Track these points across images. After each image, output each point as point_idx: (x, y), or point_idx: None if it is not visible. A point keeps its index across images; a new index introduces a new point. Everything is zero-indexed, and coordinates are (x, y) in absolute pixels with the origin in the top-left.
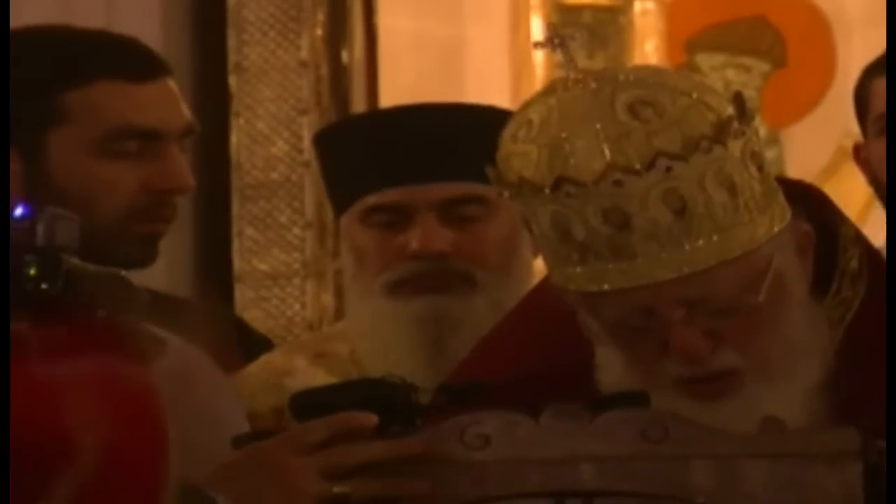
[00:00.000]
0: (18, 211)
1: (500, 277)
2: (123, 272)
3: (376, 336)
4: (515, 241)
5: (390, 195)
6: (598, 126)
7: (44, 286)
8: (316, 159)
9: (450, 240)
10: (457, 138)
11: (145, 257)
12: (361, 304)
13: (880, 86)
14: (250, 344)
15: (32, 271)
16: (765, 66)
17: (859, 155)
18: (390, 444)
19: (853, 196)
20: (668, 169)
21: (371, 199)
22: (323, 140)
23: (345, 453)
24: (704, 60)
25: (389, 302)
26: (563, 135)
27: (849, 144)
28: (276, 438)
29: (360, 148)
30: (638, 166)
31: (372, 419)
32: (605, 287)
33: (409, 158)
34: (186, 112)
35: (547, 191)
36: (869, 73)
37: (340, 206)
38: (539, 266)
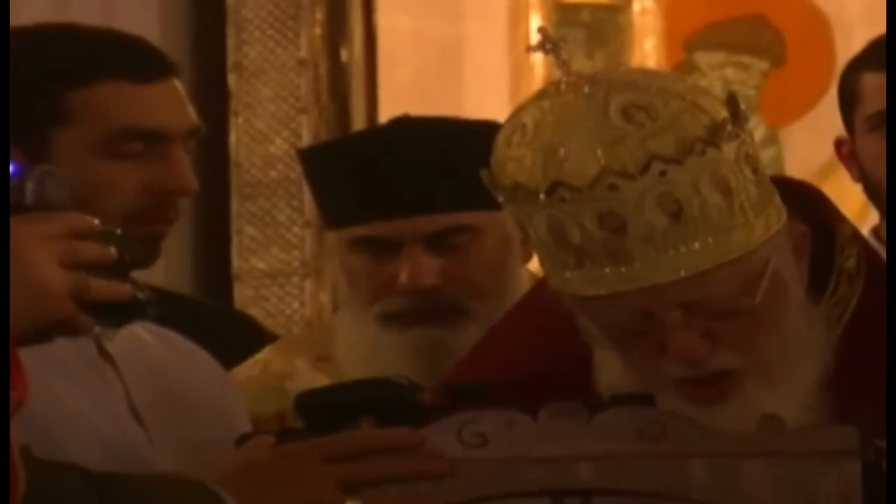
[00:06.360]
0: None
1: (491, 302)
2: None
3: (371, 365)
4: (504, 262)
5: (376, 228)
6: (591, 130)
7: None
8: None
9: (438, 271)
10: (441, 168)
11: (147, 257)
12: (355, 332)
13: (870, 80)
14: (261, 341)
15: None
16: (764, 65)
17: (841, 150)
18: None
19: (852, 194)
20: (663, 172)
21: (357, 231)
22: (307, 161)
23: (363, 466)
24: (703, 59)
25: (384, 333)
26: (557, 139)
27: None
28: (305, 444)
29: (344, 176)
30: (632, 170)
31: (418, 437)
32: (602, 291)
33: (394, 191)
34: (192, 113)
35: (542, 196)
36: (855, 66)
37: (328, 224)
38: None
